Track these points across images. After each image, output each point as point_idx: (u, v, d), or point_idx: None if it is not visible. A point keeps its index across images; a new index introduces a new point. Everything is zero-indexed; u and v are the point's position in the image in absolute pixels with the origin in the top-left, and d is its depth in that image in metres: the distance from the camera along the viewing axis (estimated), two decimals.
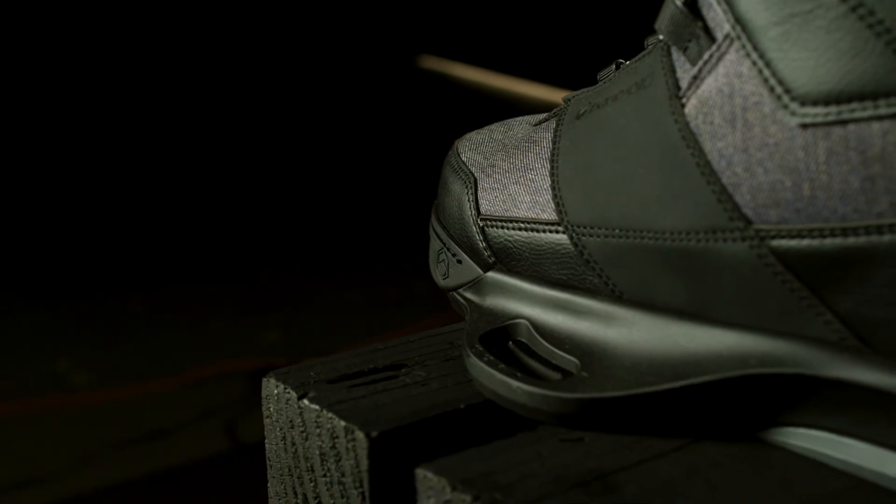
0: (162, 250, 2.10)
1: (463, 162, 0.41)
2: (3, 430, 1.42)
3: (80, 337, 1.70)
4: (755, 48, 0.29)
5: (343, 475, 0.34)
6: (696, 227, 0.31)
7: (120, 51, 3.08)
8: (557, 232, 0.36)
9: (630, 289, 0.34)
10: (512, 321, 0.37)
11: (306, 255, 2.07)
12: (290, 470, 0.37)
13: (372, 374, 0.37)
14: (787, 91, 0.29)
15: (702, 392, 0.31)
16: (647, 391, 0.31)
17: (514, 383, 0.33)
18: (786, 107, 0.29)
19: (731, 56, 0.30)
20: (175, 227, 2.23)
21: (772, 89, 0.29)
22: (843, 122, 0.28)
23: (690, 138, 0.31)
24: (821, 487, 0.30)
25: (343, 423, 0.34)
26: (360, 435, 0.33)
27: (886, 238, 0.27)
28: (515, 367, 0.34)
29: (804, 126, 0.28)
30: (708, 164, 0.31)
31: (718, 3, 0.31)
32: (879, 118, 0.27)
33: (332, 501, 0.35)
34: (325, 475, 0.35)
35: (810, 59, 0.28)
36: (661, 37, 0.33)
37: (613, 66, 0.38)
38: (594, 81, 0.38)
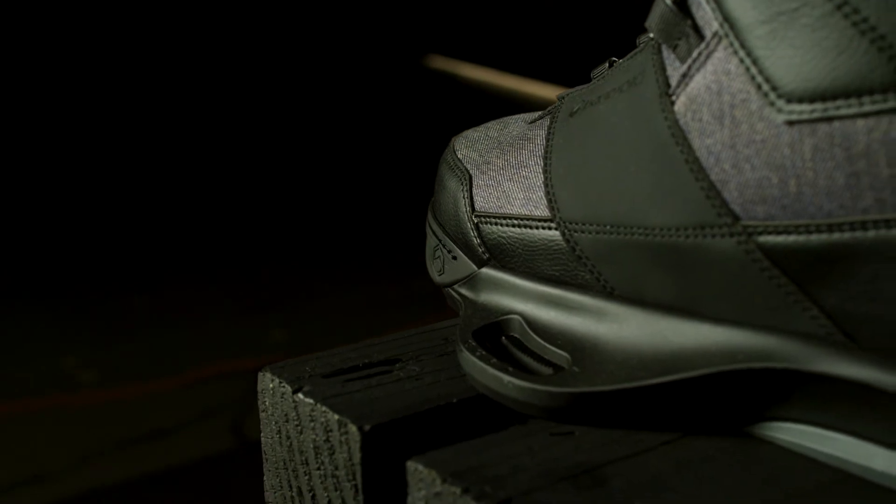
0: (162, 250, 2.10)
1: (459, 159, 0.42)
2: (4, 429, 1.43)
3: (82, 337, 1.71)
4: (742, 46, 0.30)
5: (336, 468, 0.35)
6: (685, 224, 0.32)
7: (126, 50, 3.08)
8: (550, 228, 0.36)
9: (621, 285, 0.34)
10: (505, 317, 0.37)
11: (307, 255, 2.08)
12: (285, 463, 0.37)
13: (366, 368, 0.38)
14: (774, 88, 0.29)
15: (691, 387, 0.32)
16: (637, 385, 0.32)
17: (506, 378, 0.33)
18: (772, 104, 0.29)
19: (720, 54, 0.31)
20: (175, 227, 2.23)
21: (759, 86, 0.29)
22: (829, 119, 0.28)
23: (680, 135, 0.31)
24: (807, 481, 0.30)
25: (336, 417, 0.34)
26: (353, 428, 0.33)
27: (871, 234, 0.28)
28: (508, 361, 0.35)
29: (790, 123, 0.29)
30: (697, 160, 0.31)
31: (707, 1, 0.31)
32: (864, 115, 0.27)
33: (325, 494, 0.35)
34: (319, 468, 0.35)
35: (796, 57, 0.29)
36: (651, 35, 0.34)
37: (607, 65, 0.38)
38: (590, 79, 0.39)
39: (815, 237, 0.29)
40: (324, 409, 0.35)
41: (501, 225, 0.38)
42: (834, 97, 0.28)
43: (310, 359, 0.39)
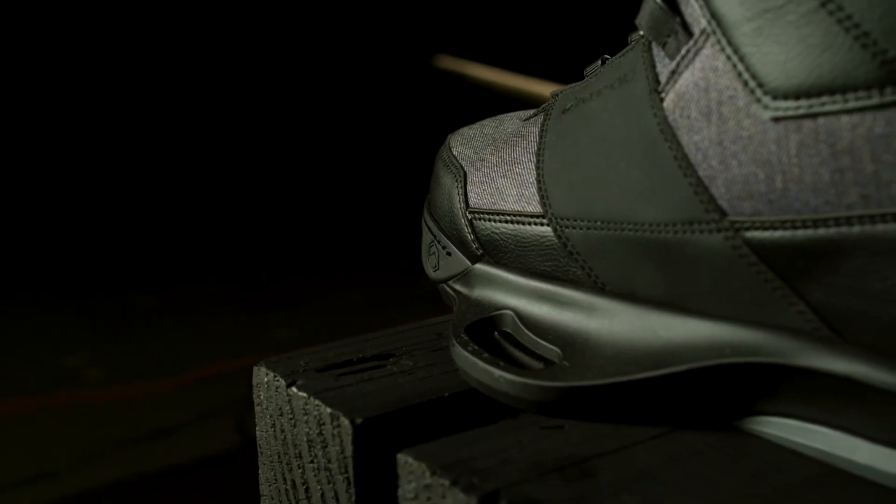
0: (162, 250, 2.10)
1: (454, 156, 0.42)
2: (5, 429, 1.43)
3: (82, 336, 1.71)
4: (730, 43, 0.30)
5: (329, 461, 0.35)
6: (673, 220, 0.32)
7: (131, 50, 3.09)
8: (542, 224, 0.37)
9: (612, 280, 0.35)
10: (498, 312, 0.38)
11: (307, 255, 2.08)
12: (279, 456, 0.38)
13: (360, 363, 0.38)
14: (760, 85, 0.29)
15: (679, 381, 0.32)
16: (627, 380, 0.32)
17: (497, 372, 0.34)
18: (759, 100, 0.29)
19: (707, 51, 0.31)
20: (176, 226, 2.23)
21: (745, 83, 0.30)
22: (814, 116, 0.28)
23: (668, 132, 0.32)
24: (794, 476, 0.30)
25: (329, 410, 0.34)
26: (345, 422, 0.34)
27: (856, 229, 0.28)
28: (499, 356, 0.35)
29: (776, 119, 0.29)
30: (685, 157, 0.31)
31: None
32: (848, 112, 0.28)
33: (319, 487, 0.36)
34: (312, 461, 0.36)
35: (782, 54, 0.29)
36: (641, 33, 0.34)
37: (599, 62, 0.38)
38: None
39: (800, 233, 0.29)
40: (317, 402, 0.35)
41: (495, 221, 0.39)
42: (819, 94, 0.28)
43: (304, 353, 0.39)
